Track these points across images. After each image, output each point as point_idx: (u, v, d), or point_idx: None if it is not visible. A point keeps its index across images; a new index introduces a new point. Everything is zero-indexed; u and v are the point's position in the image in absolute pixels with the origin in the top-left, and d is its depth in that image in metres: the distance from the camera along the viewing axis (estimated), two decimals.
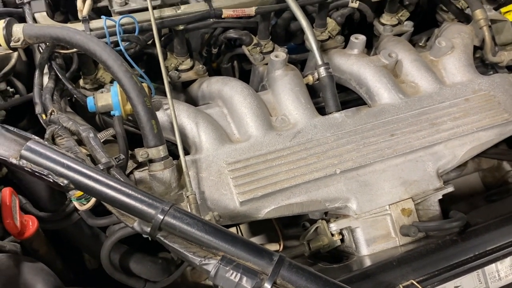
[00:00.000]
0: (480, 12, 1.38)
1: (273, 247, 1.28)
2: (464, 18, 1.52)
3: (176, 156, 1.02)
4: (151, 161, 0.98)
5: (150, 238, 0.82)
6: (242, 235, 1.39)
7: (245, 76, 1.50)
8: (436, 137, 1.15)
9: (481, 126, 1.18)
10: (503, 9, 1.61)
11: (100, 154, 0.90)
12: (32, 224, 0.92)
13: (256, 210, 1.03)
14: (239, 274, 0.75)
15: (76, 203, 0.93)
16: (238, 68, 1.57)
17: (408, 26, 1.50)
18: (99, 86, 1.24)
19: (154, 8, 1.18)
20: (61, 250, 1.09)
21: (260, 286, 0.75)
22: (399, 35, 1.51)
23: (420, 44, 1.57)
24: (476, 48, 1.47)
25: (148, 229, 0.79)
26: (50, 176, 0.80)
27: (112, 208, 0.83)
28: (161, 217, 0.77)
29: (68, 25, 1.19)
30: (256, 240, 1.42)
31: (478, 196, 1.43)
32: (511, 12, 1.61)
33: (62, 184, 0.79)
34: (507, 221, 1.11)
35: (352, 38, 1.32)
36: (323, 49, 1.40)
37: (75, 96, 1.15)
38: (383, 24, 1.49)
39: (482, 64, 1.49)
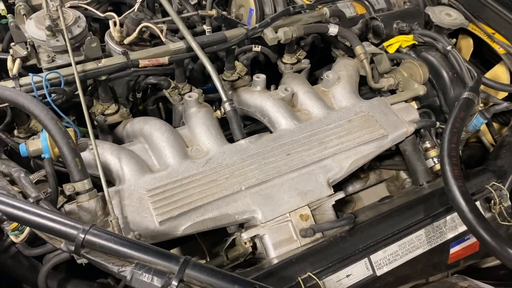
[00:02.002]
0: (359, 48, 1.67)
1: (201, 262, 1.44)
2: (352, 53, 1.80)
3: (103, 189, 1.18)
4: (78, 193, 1.13)
5: (75, 256, 0.97)
6: None
7: (170, 115, 1.70)
8: (324, 153, 1.37)
9: (361, 141, 1.42)
10: (385, 43, 1.93)
11: (30, 190, 1.06)
12: None
13: (174, 228, 1.20)
14: (150, 276, 0.91)
15: (12, 236, 1.07)
16: (164, 108, 1.76)
17: (305, 63, 1.76)
18: (32, 134, 1.38)
19: (77, 63, 1.37)
20: (1, 284, 1.20)
21: (169, 284, 0.91)
22: (299, 71, 1.77)
23: (322, 77, 1.83)
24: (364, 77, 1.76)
25: (73, 248, 0.94)
26: None
27: (41, 233, 0.98)
28: (83, 236, 0.92)
29: (1, 83, 1.35)
30: None
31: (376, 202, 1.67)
32: (392, 45, 1.93)
33: None
34: (385, 218, 1.34)
35: (255, 77, 1.56)
36: (233, 88, 1.63)
37: (9, 145, 1.30)
38: (285, 63, 1.75)
39: (371, 90, 1.78)
